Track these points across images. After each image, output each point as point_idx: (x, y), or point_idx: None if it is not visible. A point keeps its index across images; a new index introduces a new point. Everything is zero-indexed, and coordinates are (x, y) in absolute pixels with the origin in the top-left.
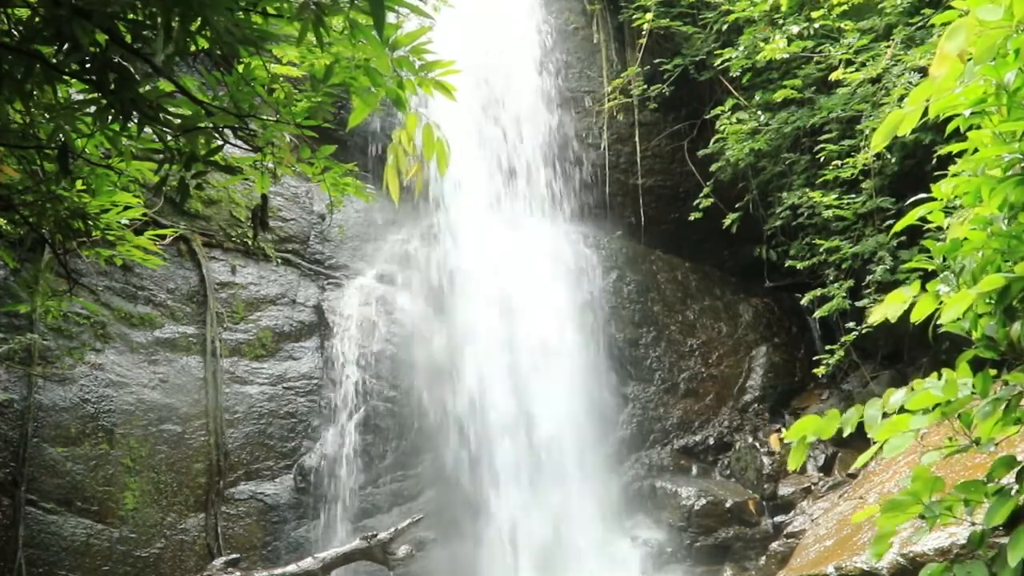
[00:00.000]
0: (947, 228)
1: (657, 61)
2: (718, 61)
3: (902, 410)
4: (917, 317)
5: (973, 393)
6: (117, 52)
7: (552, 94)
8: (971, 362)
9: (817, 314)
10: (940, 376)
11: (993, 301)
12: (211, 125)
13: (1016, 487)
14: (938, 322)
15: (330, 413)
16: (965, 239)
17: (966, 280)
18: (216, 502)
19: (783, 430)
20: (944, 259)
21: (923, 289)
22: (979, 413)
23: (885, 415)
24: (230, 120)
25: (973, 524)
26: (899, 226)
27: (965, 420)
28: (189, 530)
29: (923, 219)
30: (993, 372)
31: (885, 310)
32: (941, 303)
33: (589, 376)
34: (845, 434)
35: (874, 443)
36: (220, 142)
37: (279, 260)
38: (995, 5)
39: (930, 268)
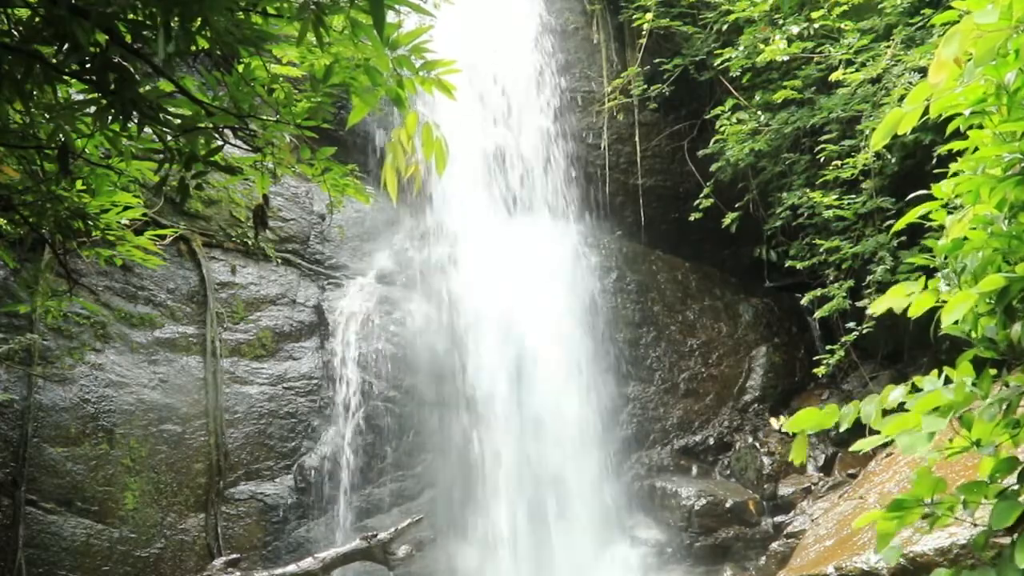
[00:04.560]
0: (948, 227)
1: (657, 61)
2: (718, 61)
3: (900, 407)
4: (914, 313)
5: (973, 390)
6: (117, 52)
7: (552, 94)
8: (972, 362)
9: (817, 314)
10: (940, 374)
11: (993, 301)
12: (211, 125)
13: (1018, 487)
14: (939, 318)
15: (330, 413)
16: (965, 238)
17: (967, 280)
18: (216, 502)
19: (782, 417)
20: (945, 258)
21: (925, 287)
22: (981, 415)
23: (885, 412)
24: (230, 120)
25: (975, 524)
26: (899, 224)
27: (966, 421)
28: (189, 530)
29: (924, 218)
30: (993, 372)
31: (887, 303)
32: (942, 303)
33: (589, 376)
34: (842, 429)
35: (871, 433)
36: (220, 142)
37: (279, 260)
38: (994, 6)
39: (931, 266)
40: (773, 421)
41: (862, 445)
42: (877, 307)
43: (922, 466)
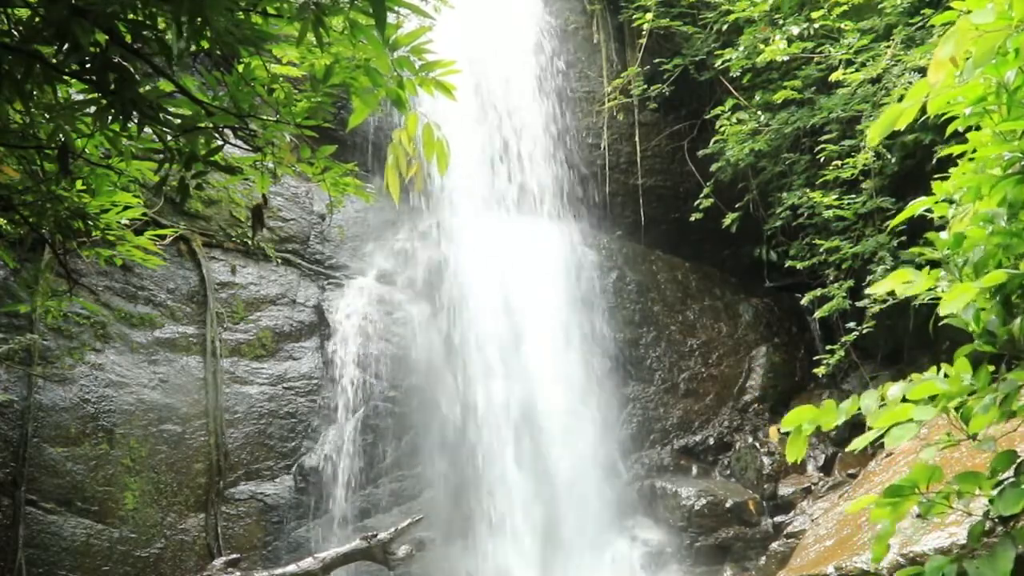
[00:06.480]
0: (950, 221)
1: (657, 61)
2: (718, 61)
3: (903, 401)
4: (917, 291)
5: (971, 384)
6: (117, 52)
7: (552, 94)
8: (970, 358)
9: (817, 314)
10: (939, 370)
11: (995, 297)
12: (211, 125)
13: (1015, 479)
14: (939, 312)
15: (330, 413)
16: (965, 235)
17: (968, 272)
18: (216, 502)
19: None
20: (947, 251)
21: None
22: (979, 408)
23: (882, 405)
24: (230, 120)
25: (970, 514)
26: (898, 220)
27: (965, 414)
28: (189, 530)
29: (924, 217)
30: (991, 368)
31: (888, 285)
32: (941, 292)
33: (589, 376)
34: (839, 422)
35: (869, 430)
36: (220, 142)
37: (279, 260)
38: (993, 6)
39: (933, 258)
40: (772, 431)
41: (858, 444)
42: (877, 288)
43: (919, 462)
